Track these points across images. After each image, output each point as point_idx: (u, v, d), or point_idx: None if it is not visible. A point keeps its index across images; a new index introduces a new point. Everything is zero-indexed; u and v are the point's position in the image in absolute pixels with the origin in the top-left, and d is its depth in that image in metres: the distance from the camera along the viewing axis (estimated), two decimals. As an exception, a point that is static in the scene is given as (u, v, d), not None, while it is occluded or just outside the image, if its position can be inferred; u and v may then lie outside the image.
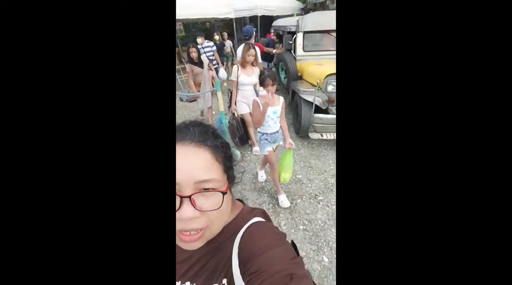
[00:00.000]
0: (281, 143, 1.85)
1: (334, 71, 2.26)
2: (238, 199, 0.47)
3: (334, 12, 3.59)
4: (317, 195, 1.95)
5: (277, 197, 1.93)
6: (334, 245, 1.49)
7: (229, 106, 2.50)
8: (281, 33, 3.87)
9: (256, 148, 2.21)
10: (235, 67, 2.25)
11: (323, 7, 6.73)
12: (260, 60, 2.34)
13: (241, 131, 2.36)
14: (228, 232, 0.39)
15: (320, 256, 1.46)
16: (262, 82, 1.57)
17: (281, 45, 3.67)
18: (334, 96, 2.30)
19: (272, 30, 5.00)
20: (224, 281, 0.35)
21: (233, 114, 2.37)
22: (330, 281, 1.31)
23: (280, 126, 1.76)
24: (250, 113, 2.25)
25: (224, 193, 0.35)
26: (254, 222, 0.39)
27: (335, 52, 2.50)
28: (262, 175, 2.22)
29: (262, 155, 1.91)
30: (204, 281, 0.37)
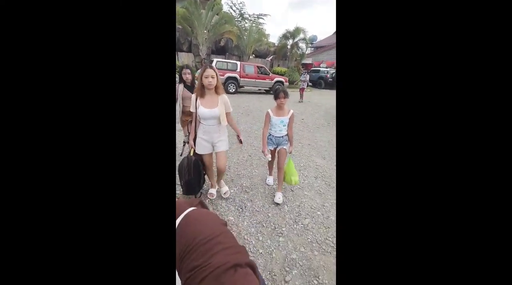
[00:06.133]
0: (284, 147, 2.08)
1: None
2: None
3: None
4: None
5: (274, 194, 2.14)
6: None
7: (187, 142, 2.08)
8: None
9: (212, 191, 2.05)
10: (193, 96, 1.74)
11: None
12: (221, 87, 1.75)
13: (190, 174, 1.78)
14: None
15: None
16: (276, 95, 1.90)
17: None
18: None
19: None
20: None
21: (189, 152, 1.88)
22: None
23: (287, 134, 2.05)
24: (210, 154, 1.87)
25: None
26: (188, 212, 0.36)
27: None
28: (269, 180, 2.43)
29: (267, 154, 2.02)
30: None
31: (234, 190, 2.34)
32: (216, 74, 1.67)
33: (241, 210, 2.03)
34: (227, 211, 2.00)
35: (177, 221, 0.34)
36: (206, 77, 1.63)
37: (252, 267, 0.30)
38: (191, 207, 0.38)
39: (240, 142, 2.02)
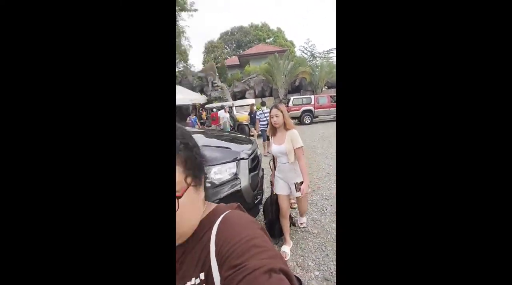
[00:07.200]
0: None
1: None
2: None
3: (233, 101, 10.39)
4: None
5: None
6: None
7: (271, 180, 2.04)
8: (214, 109, 8.92)
9: (285, 250, 1.76)
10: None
11: (221, 99, 12.78)
12: (291, 123, 1.73)
13: (273, 214, 1.81)
14: (205, 224, 0.39)
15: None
16: None
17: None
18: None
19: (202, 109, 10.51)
20: (202, 275, 0.34)
21: (271, 191, 1.92)
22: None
23: None
24: (287, 196, 1.78)
25: (178, 197, 0.33)
26: (227, 213, 0.38)
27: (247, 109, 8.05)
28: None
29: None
30: (181, 278, 0.35)
31: (315, 198, 2.94)
32: (282, 112, 1.70)
33: (322, 212, 2.58)
34: (311, 211, 2.61)
35: (217, 221, 0.37)
36: (272, 117, 1.73)
37: (287, 273, 0.30)
38: (230, 209, 0.41)
39: (298, 190, 1.68)
